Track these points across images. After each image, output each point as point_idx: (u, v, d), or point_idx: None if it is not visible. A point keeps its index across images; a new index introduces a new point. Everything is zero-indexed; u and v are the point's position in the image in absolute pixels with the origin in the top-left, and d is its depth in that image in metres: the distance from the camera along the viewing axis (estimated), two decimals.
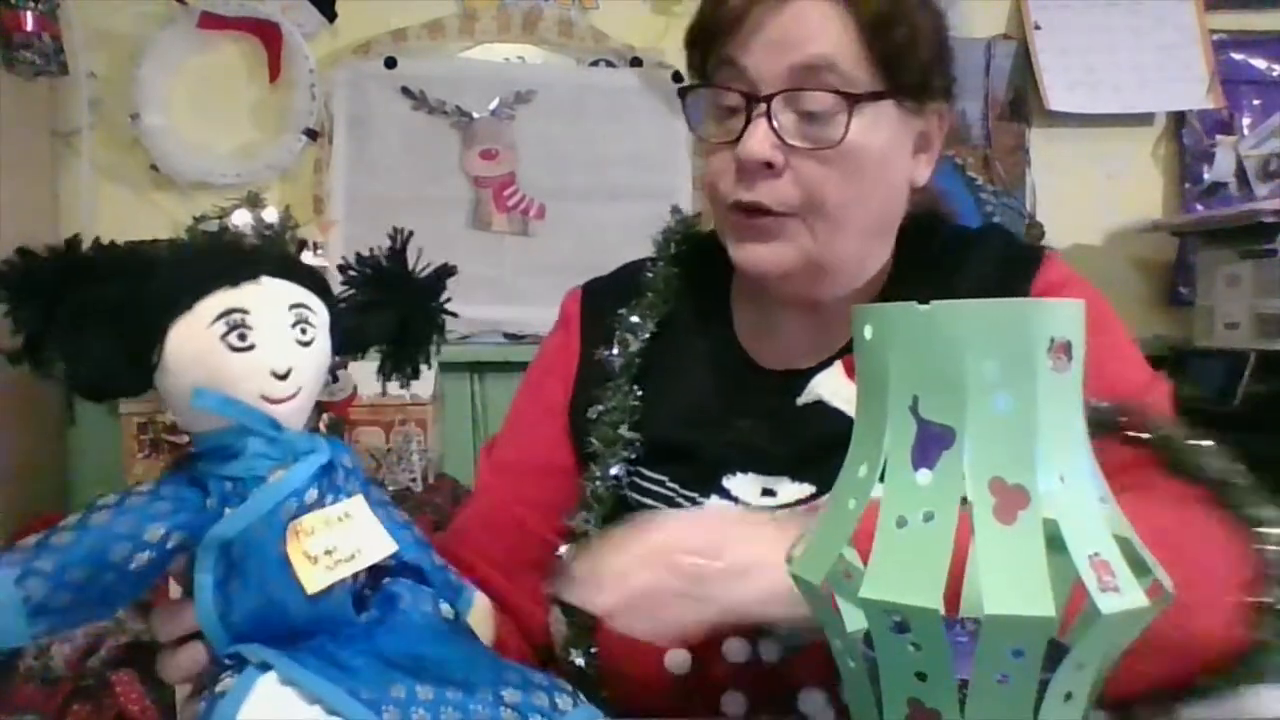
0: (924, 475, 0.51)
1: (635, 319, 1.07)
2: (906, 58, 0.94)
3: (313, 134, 2.60)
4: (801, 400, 0.98)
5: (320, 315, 0.74)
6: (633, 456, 1.02)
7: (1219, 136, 2.80)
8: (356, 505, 0.73)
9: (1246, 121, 2.82)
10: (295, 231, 2.49)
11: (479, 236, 2.67)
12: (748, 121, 0.94)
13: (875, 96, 0.93)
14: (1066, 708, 0.52)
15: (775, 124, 0.93)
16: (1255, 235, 2.39)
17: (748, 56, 0.94)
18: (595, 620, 0.87)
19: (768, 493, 0.96)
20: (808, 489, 0.95)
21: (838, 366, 0.98)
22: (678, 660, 0.88)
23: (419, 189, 2.64)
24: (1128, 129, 2.82)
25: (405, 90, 2.64)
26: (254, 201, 2.47)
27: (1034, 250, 1.04)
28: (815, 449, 0.92)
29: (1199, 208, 2.80)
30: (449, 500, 2.29)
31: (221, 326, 0.68)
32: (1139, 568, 0.52)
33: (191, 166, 2.57)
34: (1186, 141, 2.82)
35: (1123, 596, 0.49)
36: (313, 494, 0.71)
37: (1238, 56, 2.81)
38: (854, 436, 0.56)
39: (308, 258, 2.51)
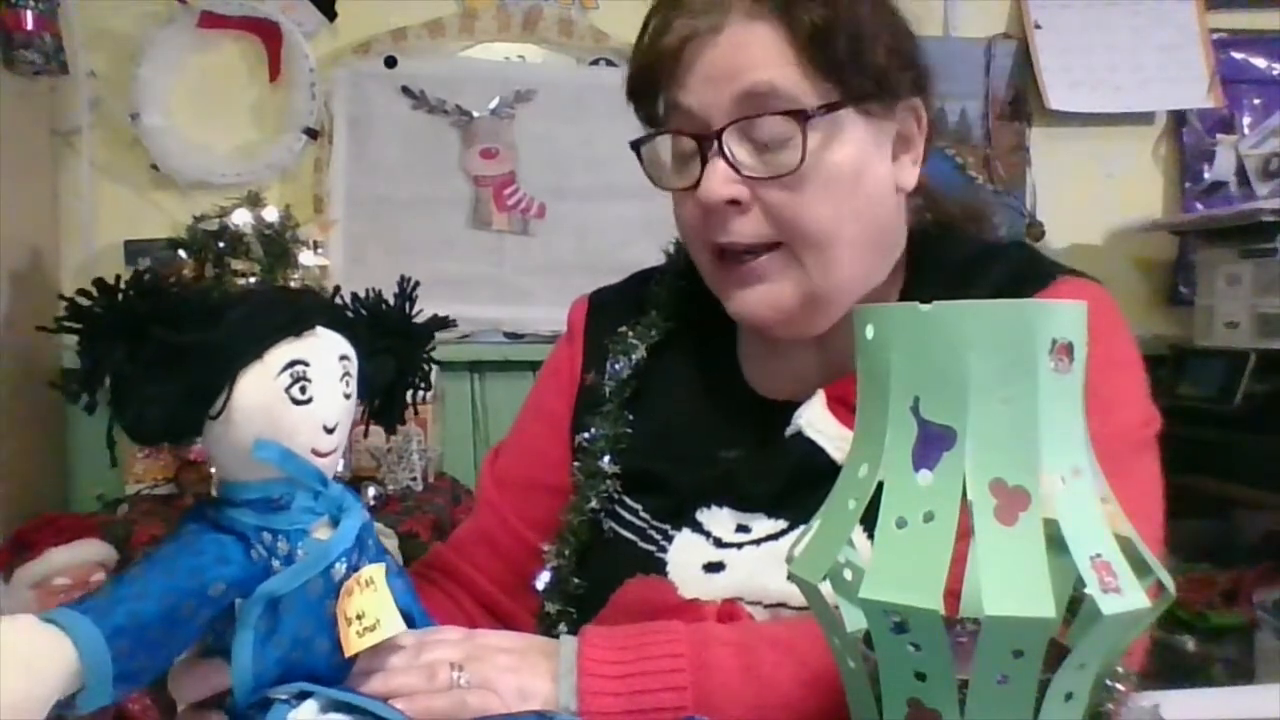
0: (925, 476, 0.51)
1: (633, 339, 1.04)
2: (855, 64, 0.89)
3: (313, 133, 2.60)
4: (788, 432, 0.94)
5: (355, 365, 0.73)
6: (608, 493, 1.00)
7: (1219, 136, 2.80)
8: (379, 573, 0.72)
9: (1246, 121, 2.83)
10: (295, 231, 2.50)
11: (479, 236, 2.67)
12: (704, 163, 0.89)
13: (827, 109, 0.88)
14: (1067, 708, 0.52)
15: (731, 158, 0.88)
16: (1255, 235, 2.39)
17: (690, 96, 0.89)
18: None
19: (742, 529, 0.94)
20: (781, 524, 0.92)
21: (819, 397, 0.94)
22: None
23: (419, 188, 2.64)
24: (1128, 129, 2.83)
25: (405, 90, 2.64)
26: (254, 201, 2.47)
27: (1048, 270, 0.97)
28: (794, 484, 0.92)
29: (1199, 207, 2.80)
30: (449, 500, 2.29)
31: (287, 378, 0.67)
32: (1140, 568, 0.52)
33: (191, 166, 2.57)
34: (1186, 141, 2.82)
35: (1124, 597, 0.49)
36: (355, 555, 0.71)
37: (1238, 56, 2.81)
38: (855, 436, 0.56)
39: (308, 257, 2.50)
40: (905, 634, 0.50)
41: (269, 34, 2.59)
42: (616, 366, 1.03)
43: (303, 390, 0.67)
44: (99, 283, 0.64)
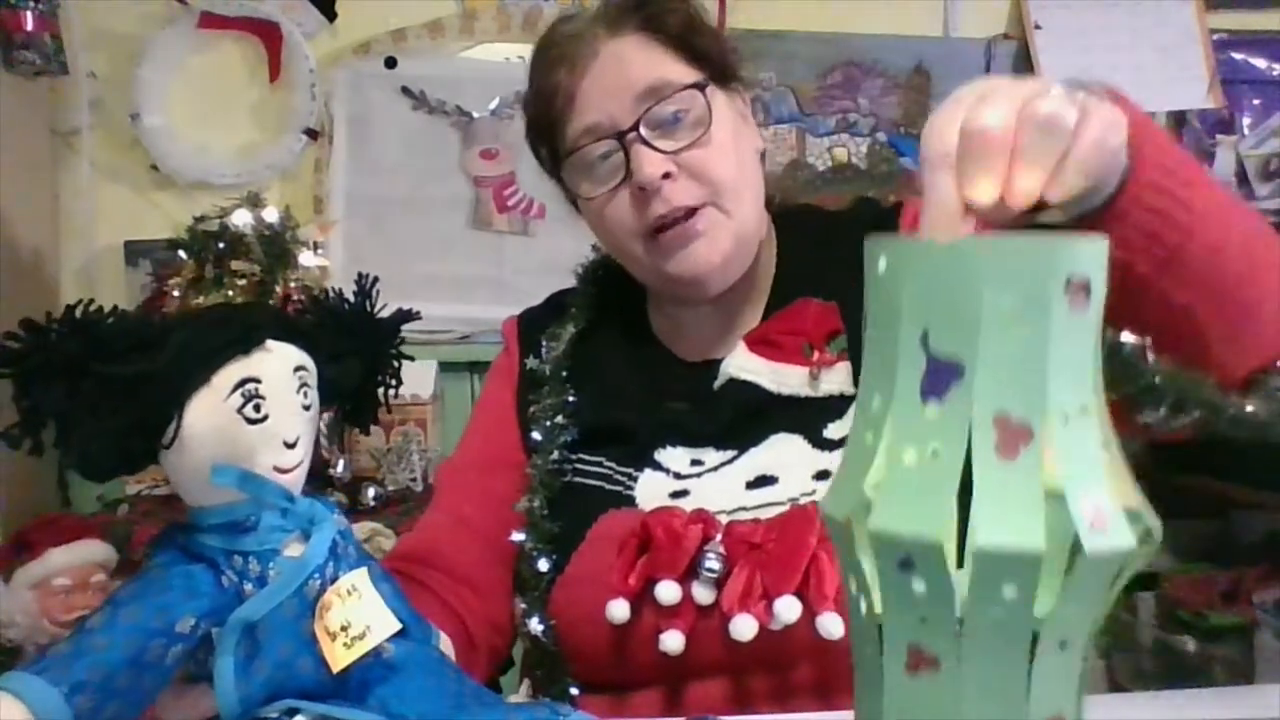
0: (932, 408, 0.50)
1: (559, 330, 1.18)
2: (711, 50, 1.09)
3: (313, 134, 2.60)
4: (717, 384, 1.10)
5: (313, 375, 0.72)
6: (570, 440, 1.11)
7: (1219, 136, 2.80)
8: (361, 579, 0.71)
9: (1246, 121, 2.82)
10: (295, 232, 2.49)
11: (479, 236, 2.66)
12: (628, 157, 1.05)
13: (707, 83, 1.07)
14: (1062, 656, 0.52)
15: (652, 143, 1.04)
16: None
17: (592, 114, 1.06)
18: (547, 592, 1.04)
19: (696, 462, 1.08)
20: (731, 453, 1.07)
21: (741, 346, 1.10)
22: (617, 611, 0.96)
23: (419, 189, 2.64)
24: None
25: (405, 90, 2.64)
26: (254, 202, 2.46)
27: (897, 203, 1.16)
28: (735, 420, 1.07)
29: None
30: None
31: (238, 399, 0.66)
32: (1131, 514, 0.51)
33: (191, 166, 2.57)
34: (1186, 141, 2.81)
35: (1110, 538, 0.49)
36: (329, 568, 0.70)
37: (1238, 56, 2.81)
38: (864, 368, 0.56)
39: (308, 258, 2.50)
40: (910, 571, 0.50)
41: (269, 34, 2.58)
42: (551, 347, 1.17)
43: (257, 409, 0.66)
44: (26, 323, 0.62)
